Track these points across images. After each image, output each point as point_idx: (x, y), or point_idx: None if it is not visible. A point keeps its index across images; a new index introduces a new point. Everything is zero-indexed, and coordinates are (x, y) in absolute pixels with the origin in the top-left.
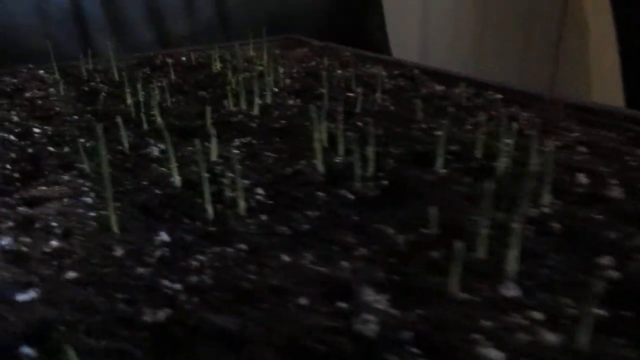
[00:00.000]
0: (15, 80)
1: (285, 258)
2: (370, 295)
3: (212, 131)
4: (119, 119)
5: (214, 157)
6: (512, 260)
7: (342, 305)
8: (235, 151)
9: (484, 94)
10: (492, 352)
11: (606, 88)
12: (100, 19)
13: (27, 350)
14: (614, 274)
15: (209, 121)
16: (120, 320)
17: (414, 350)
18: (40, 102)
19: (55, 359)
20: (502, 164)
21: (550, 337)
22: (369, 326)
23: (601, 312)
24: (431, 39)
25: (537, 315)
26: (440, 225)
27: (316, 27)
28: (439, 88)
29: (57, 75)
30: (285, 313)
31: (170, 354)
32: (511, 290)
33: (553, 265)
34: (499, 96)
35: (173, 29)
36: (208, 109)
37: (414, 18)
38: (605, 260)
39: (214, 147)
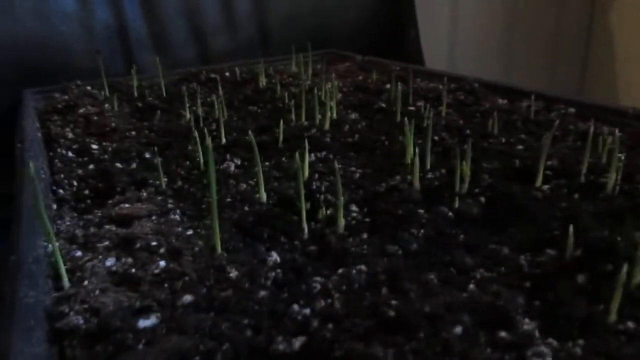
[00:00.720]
0: (66, 97)
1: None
2: (528, 325)
3: (306, 145)
4: (195, 134)
5: (306, 173)
6: None
7: (504, 335)
8: (339, 166)
9: (554, 107)
10: None
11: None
12: (143, 36)
13: None
14: None
15: (281, 136)
16: (252, 349)
17: None
18: (95, 118)
19: None
20: (610, 180)
21: None
22: None
23: None
24: (459, 51)
25: None
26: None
27: (353, 43)
28: (502, 102)
29: (107, 92)
30: (443, 343)
31: None
32: None
33: None
34: (572, 110)
35: (214, 45)
36: (280, 124)
37: (443, 30)
38: None
39: (306, 162)
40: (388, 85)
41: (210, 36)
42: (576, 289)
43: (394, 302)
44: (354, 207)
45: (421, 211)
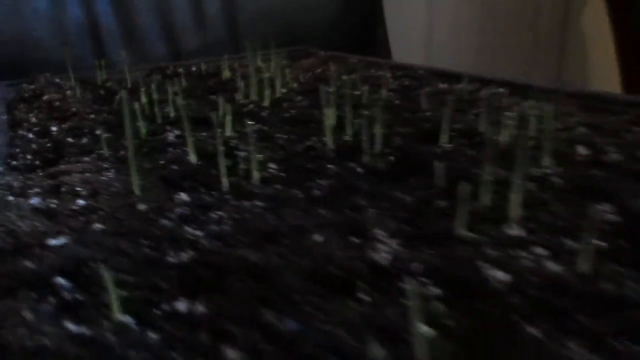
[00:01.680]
0: (32, 87)
1: (300, 213)
2: (382, 235)
3: (227, 107)
4: (123, 93)
5: (228, 132)
6: (515, 205)
7: (356, 239)
8: (250, 122)
9: (487, 88)
10: (499, 274)
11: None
12: (115, 32)
13: (62, 281)
14: (614, 217)
15: (221, 108)
16: (147, 261)
17: (425, 280)
18: (58, 104)
19: (88, 288)
20: (507, 137)
21: (553, 266)
22: (382, 255)
23: (602, 243)
24: (435, 46)
25: (540, 250)
26: (447, 182)
27: (323, 41)
28: (443, 85)
29: (72, 82)
30: (305, 247)
31: (198, 287)
32: (515, 230)
33: (555, 212)
34: (502, 90)
35: (185, 42)
36: (221, 99)
37: (417, 30)
38: (606, 206)
39: (228, 123)
40: (346, 76)
41: (181, 33)
42: (436, 213)
43: (273, 222)
44: (273, 165)
45: (332, 166)
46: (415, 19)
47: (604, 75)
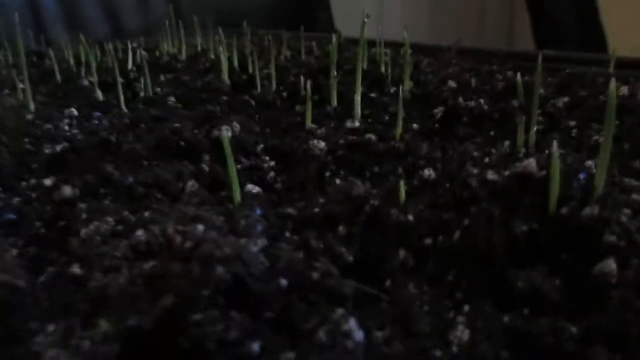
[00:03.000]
0: None
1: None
2: (237, 128)
3: (133, 45)
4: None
5: (130, 65)
6: (357, 106)
7: (208, 125)
8: (144, 53)
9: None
10: (321, 145)
11: None
12: (57, 14)
13: None
14: (440, 113)
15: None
16: (25, 153)
17: (262, 156)
18: None
19: None
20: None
21: (372, 138)
22: (224, 133)
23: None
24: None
25: (370, 136)
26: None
27: (267, 26)
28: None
29: (7, 47)
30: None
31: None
32: (353, 124)
33: (394, 113)
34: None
35: (127, 23)
36: (139, 51)
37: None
38: (438, 110)
39: (130, 56)
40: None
41: (123, 14)
42: (293, 113)
43: (137, 115)
44: (172, 99)
45: (225, 97)
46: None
47: None
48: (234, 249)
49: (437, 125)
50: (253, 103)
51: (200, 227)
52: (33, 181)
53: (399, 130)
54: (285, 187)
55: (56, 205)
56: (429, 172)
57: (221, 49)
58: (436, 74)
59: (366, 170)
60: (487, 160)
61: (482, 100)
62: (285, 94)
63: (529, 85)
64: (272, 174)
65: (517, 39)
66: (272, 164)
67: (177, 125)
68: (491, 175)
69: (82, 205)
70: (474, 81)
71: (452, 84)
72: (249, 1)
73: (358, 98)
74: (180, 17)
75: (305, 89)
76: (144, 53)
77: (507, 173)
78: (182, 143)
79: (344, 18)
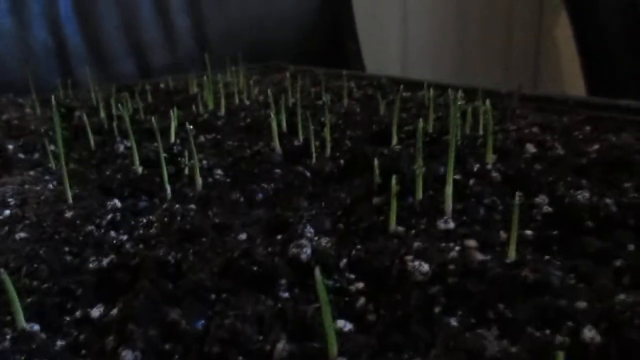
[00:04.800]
0: None
1: (230, 214)
2: (310, 233)
3: (176, 116)
4: (80, 113)
5: (172, 138)
6: (448, 199)
7: (280, 237)
8: (190, 127)
9: (446, 94)
10: (424, 267)
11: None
12: (82, 51)
13: None
14: (548, 209)
15: (175, 122)
16: (65, 267)
17: (347, 274)
18: (16, 122)
19: None
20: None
21: (479, 256)
22: (304, 250)
23: (529, 232)
24: (411, 59)
25: (470, 242)
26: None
27: (294, 57)
28: (406, 94)
29: (35, 101)
30: (224, 245)
31: (113, 291)
32: (446, 224)
33: (490, 205)
34: (461, 94)
35: (154, 60)
36: (174, 110)
37: (393, 43)
38: (540, 199)
39: (172, 129)
40: (313, 88)
41: (149, 50)
42: (372, 209)
43: (194, 221)
44: (219, 171)
45: (279, 171)
46: (390, 32)
47: (574, 80)
48: None
49: (555, 232)
50: (309, 175)
51: None
52: (78, 313)
53: (512, 246)
54: (382, 323)
55: None
56: (590, 333)
57: (271, 114)
58: (508, 133)
59: (488, 309)
60: None
61: (607, 200)
62: (341, 161)
63: (624, 149)
64: (363, 300)
65: (543, 71)
66: (360, 285)
67: (244, 237)
68: None
69: None
70: (558, 146)
71: (530, 147)
72: (279, 32)
73: (449, 191)
74: (206, 50)
75: (391, 183)
76: (190, 127)
77: None
78: (254, 267)
79: (369, 52)
